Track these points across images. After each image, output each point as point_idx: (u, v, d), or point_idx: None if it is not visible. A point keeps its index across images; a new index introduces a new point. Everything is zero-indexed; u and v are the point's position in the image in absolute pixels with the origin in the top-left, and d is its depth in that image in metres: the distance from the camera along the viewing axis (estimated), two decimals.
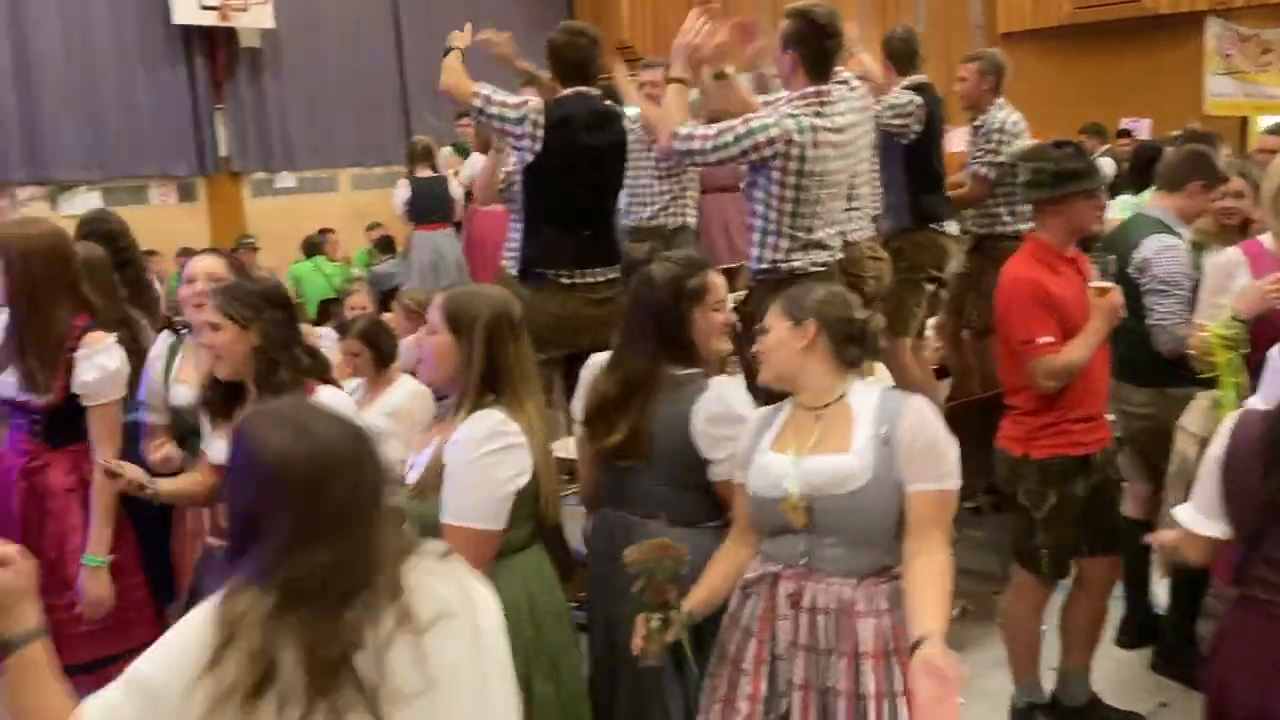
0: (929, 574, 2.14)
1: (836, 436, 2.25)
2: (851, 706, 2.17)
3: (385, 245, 9.85)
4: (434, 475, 2.33)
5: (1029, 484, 3.23)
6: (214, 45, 10.37)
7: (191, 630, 1.48)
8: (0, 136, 9.12)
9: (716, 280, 2.67)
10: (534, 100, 4.02)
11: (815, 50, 3.46)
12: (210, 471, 2.76)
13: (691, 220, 5.45)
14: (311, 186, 11.33)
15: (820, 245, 3.58)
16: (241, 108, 10.70)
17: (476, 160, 7.58)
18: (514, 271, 4.20)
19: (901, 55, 4.94)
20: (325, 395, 2.60)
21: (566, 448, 4.57)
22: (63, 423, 2.95)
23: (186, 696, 1.43)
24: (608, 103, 4.26)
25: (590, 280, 4.09)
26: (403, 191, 7.83)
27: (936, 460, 2.21)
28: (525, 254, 4.12)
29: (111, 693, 1.49)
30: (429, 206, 7.72)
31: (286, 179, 11.15)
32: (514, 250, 4.23)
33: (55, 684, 1.53)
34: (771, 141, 3.37)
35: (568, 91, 4.05)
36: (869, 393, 2.30)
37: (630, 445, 2.59)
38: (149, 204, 10.17)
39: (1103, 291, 3.12)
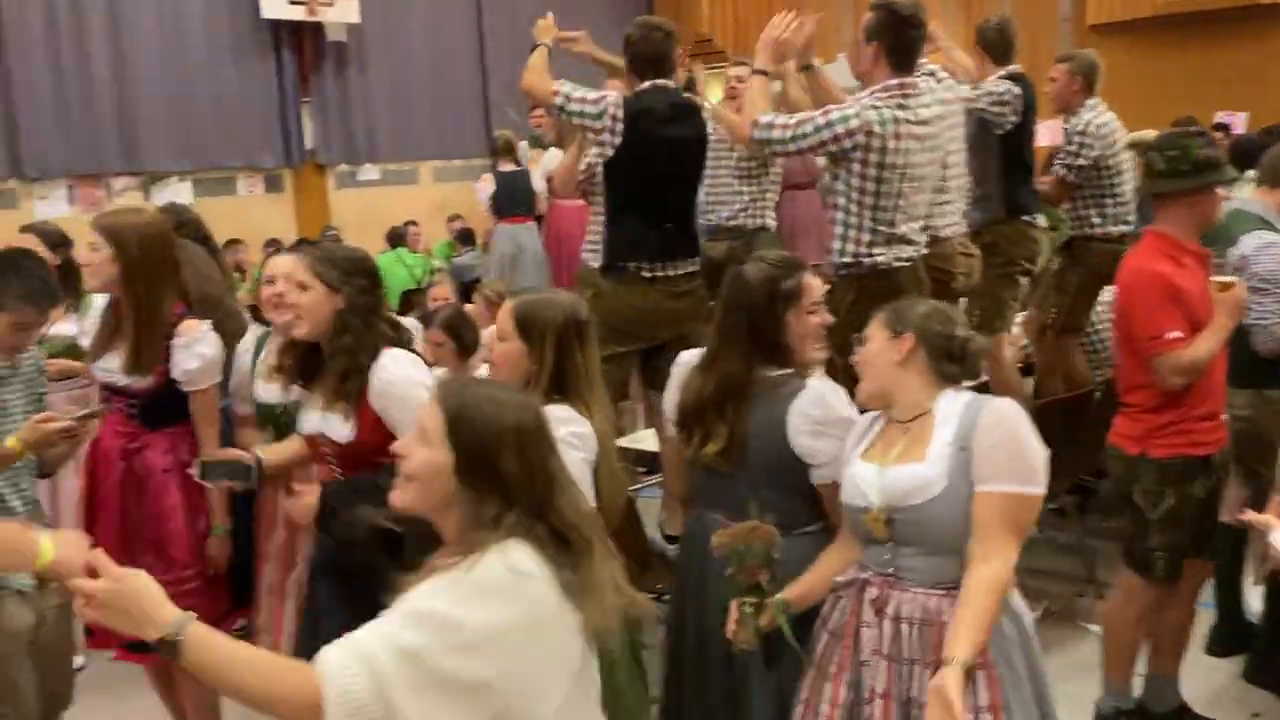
0: (975, 589, 2.06)
1: (917, 446, 2.21)
2: None
3: (466, 237, 9.98)
4: None
5: (1146, 484, 3.12)
6: (301, 39, 10.58)
7: (487, 578, 1.56)
8: (98, 128, 9.41)
9: (812, 282, 2.59)
10: (612, 94, 4.03)
11: (898, 42, 3.42)
12: (303, 443, 2.82)
13: (771, 222, 5.41)
14: (394, 179, 11.51)
15: (904, 240, 3.54)
16: (327, 101, 10.90)
17: (554, 154, 7.64)
18: (595, 265, 4.23)
19: (996, 45, 4.84)
20: (389, 358, 2.63)
21: (640, 440, 4.61)
22: (160, 406, 3.05)
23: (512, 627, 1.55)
24: (687, 95, 4.25)
25: (670, 273, 4.09)
26: (486, 186, 7.91)
27: (1012, 460, 2.11)
28: (607, 247, 4.14)
29: (401, 630, 1.52)
30: (512, 199, 7.79)
31: (369, 171, 11.34)
32: (595, 243, 4.25)
33: (245, 648, 1.56)
34: (851, 133, 3.34)
35: (646, 85, 4.06)
36: (955, 401, 2.23)
37: (727, 451, 2.54)
38: (237, 195, 10.43)
39: (1225, 286, 3.01)
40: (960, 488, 2.13)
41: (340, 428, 2.62)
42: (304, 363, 2.74)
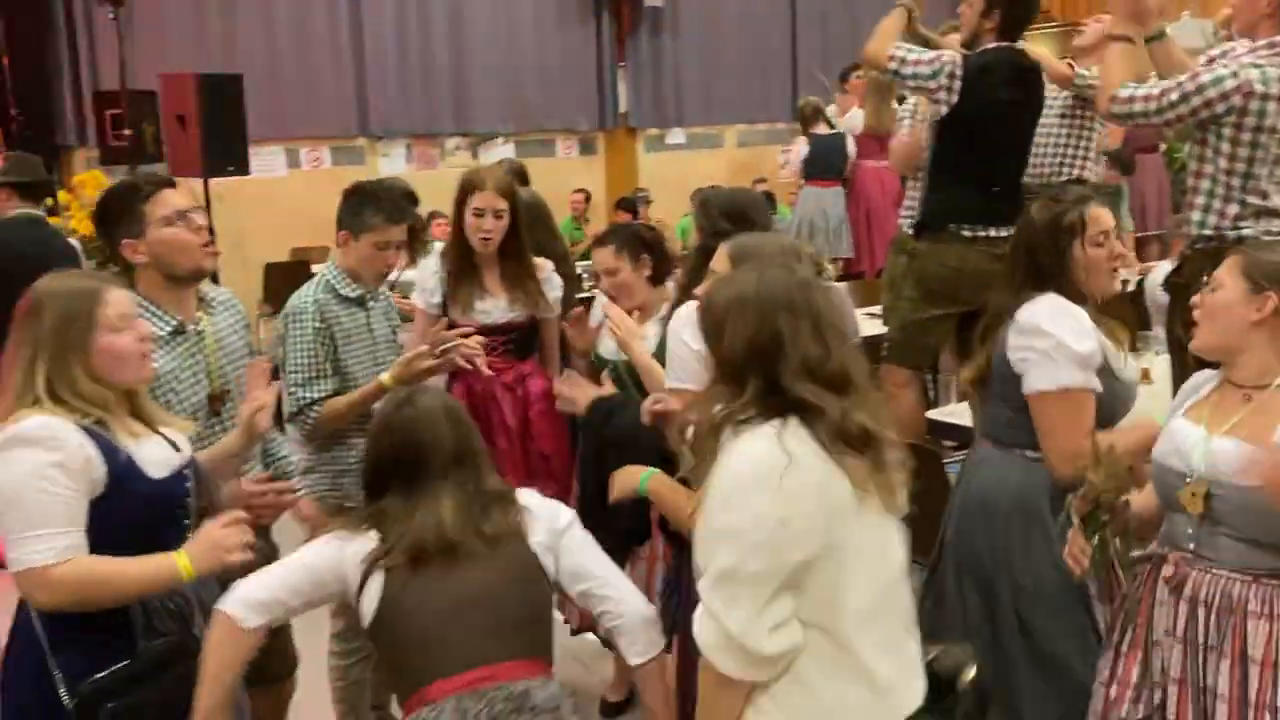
0: None
1: (1261, 424, 2.02)
2: (1236, 714, 1.98)
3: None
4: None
5: None
6: (620, 4, 10.91)
7: (764, 456, 1.66)
8: (434, 92, 10.13)
9: (1099, 213, 2.56)
10: (949, 53, 3.90)
11: None
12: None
13: (1090, 174, 5.05)
14: (699, 143, 11.68)
15: (1274, 213, 3.23)
16: (641, 65, 11.19)
17: (856, 114, 7.53)
18: (910, 229, 4.12)
19: None
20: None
21: (951, 414, 4.45)
22: (527, 337, 3.45)
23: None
24: (1032, 60, 4.04)
25: (992, 234, 3.92)
26: (801, 148, 7.91)
27: None
28: (925, 207, 4.04)
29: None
30: (826, 163, 7.79)
31: (677, 135, 11.56)
32: (912, 206, 4.14)
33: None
34: (1226, 96, 3.08)
35: (990, 45, 3.89)
36: None
37: (982, 375, 2.62)
38: (554, 156, 10.93)
39: None
40: None
41: None
42: None
